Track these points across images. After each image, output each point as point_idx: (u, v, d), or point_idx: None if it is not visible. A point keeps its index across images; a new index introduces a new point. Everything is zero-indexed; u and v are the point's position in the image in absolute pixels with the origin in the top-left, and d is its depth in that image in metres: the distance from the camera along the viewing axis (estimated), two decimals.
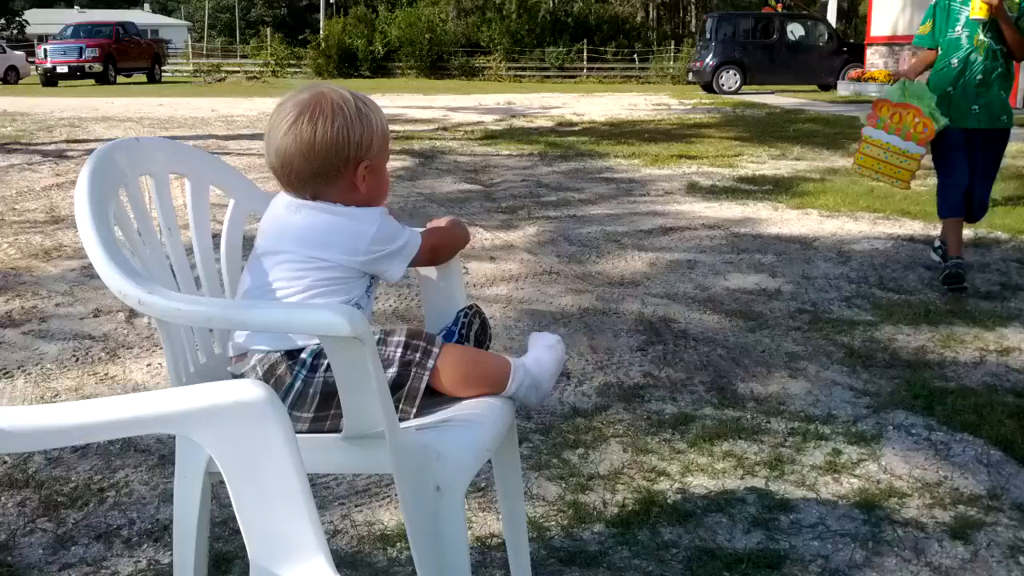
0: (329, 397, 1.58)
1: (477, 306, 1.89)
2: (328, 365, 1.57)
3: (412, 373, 1.64)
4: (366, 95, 1.74)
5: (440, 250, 1.88)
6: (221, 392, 1.10)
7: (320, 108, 1.65)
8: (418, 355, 1.65)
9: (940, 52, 4.77)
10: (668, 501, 2.45)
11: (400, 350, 1.65)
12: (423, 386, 1.64)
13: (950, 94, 4.67)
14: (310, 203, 1.69)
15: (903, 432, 2.89)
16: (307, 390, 1.60)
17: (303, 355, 1.62)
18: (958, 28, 4.65)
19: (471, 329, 1.84)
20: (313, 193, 1.69)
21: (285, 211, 1.71)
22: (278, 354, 1.62)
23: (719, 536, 2.29)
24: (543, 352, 1.82)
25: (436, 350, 1.66)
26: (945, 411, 3.03)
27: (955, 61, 4.66)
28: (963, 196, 4.74)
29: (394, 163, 9.22)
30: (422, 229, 1.85)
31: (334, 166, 1.67)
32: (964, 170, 4.71)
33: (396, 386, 1.61)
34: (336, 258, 1.67)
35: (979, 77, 4.63)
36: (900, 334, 3.86)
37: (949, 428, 2.90)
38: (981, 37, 4.59)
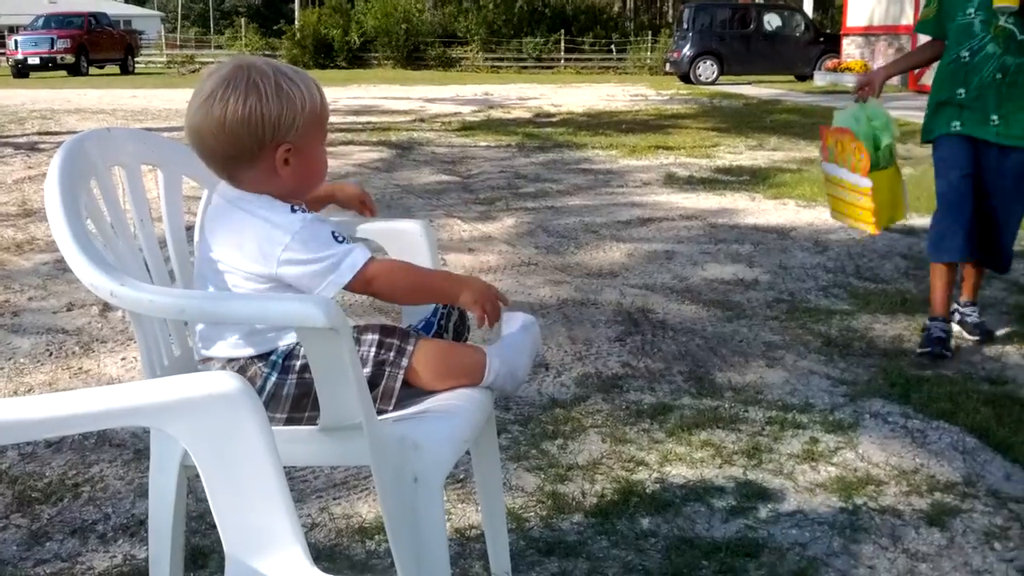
0: (302, 398, 1.55)
1: None
2: (300, 366, 1.56)
3: (387, 372, 1.61)
4: (299, 69, 1.63)
5: (378, 287, 1.59)
6: (194, 384, 1.09)
7: (233, 83, 1.53)
8: (392, 354, 1.61)
9: (947, 42, 3.50)
10: (647, 491, 2.45)
11: (374, 349, 1.60)
12: (399, 384, 1.61)
13: (960, 100, 3.44)
14: (232, 194, 1.60)
15: (880, 420, 2.90)
16: (279, 392, 1.57)
17: (273, 356, 1.58)
18: (971, 11, 3.38)
19: (450, 320, 1.80)
20: (230, 175, 1.60)
21: (215, 198, 1.64)
22: (247, 356, 1.59)
23: (698, 525, 2.29)
24: (518, 336, 1.77)
25: (410, 347, 1.62)
26: (921, 399, 3.05)
27: (966, 54, 3.41)
28: (965, 235, 3.42)
29: (371, 154, 9.19)
30: (376, 256, 1.61)
31: (247, 147, 1.54)
32: (968, 198, 3.43)
33: (371, 385, 1.57)
34: (247, 266, 1.56)
35: (998, 75, 3.36)
36: (877, 323, 3.88)
37: (925, 416, 2.92)
38: (1002, 23, 3.32)
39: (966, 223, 3.42)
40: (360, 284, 1.56)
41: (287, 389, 1.57)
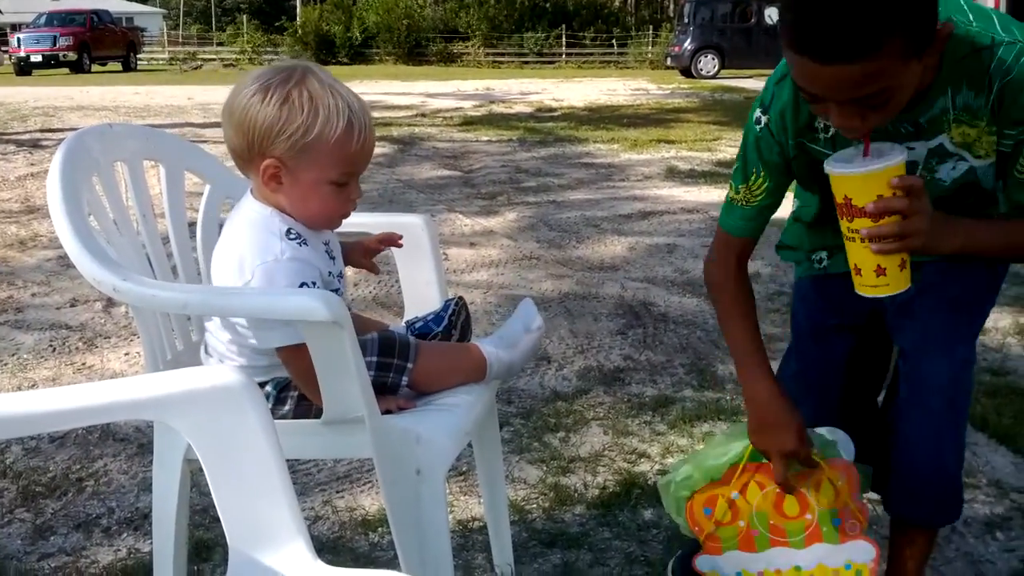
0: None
1: (463, 300, 1.82)
2: (297, 396, 1.55)
3: (387, 391, 1.58)
4: (356, 100, 1.49)
5: (290, 370, 1.53)
6: (197, 377, 1.09)
7: (267, 76, 1.47)
8: (391, 375, 1.58)
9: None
10: (649, 483, 2.46)
11: (373, 372, 1.54)
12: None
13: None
14: (245, 200, 1.57)
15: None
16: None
17: (267, 388, 1.55)
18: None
19: (459, 319, 1.76)
20: (239, 168, 1.56)
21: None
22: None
23: None
24: (522, 337, 1.73)
25: (410, 365, 1.58)
26: None
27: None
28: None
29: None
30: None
31: (241, 146, 1.49)
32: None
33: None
34: (224, 278, 1.51)
35: None
36: None
37: None
38: None
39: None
40: (281, 356, 1.49)
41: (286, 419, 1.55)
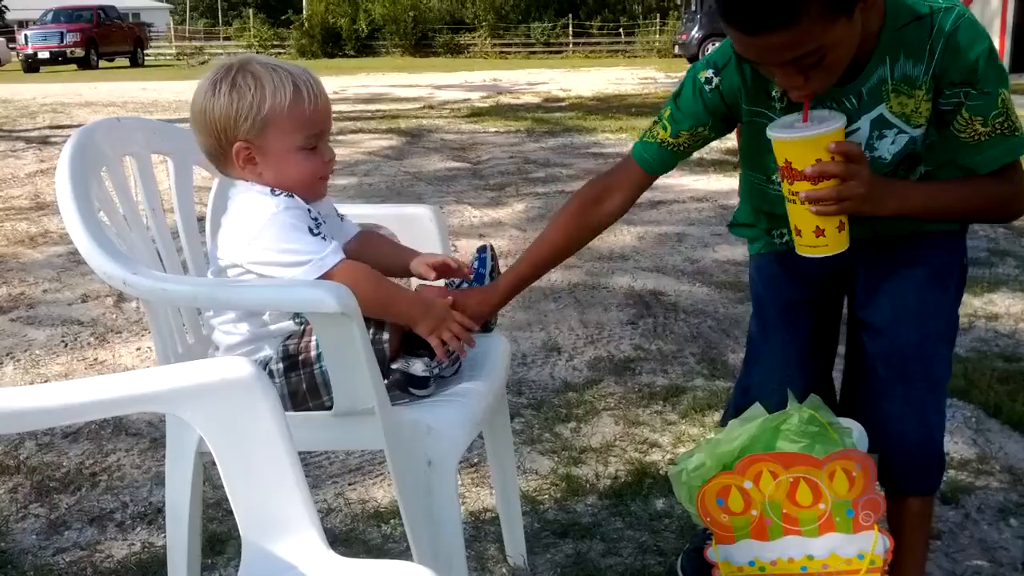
0: (292, 396, 1.54)
1: (493, 248, 1.82)
2: (285, 368, 1.55)
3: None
4: (295, 68, 1.57)
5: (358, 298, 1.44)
6: (208, 370, 1.10)
7: (211, 78, 1.56)
8: (370, 331, 1.55)
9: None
10: (660, 472, 2.46)
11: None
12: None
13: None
14: (232, 181, 1.61)
15: None
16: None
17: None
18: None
19: (495, 271, 1.77)
20: (218, 169, 1.63)
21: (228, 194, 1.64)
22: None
23: None
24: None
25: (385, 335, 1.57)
26: None
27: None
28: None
29: (380, 142, 9.19)
30: (348, 260, 1.52)
31: (212, 143, 1.57)
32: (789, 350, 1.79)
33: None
34: (228, 256, 1.56)
35: None
36: None
37: None
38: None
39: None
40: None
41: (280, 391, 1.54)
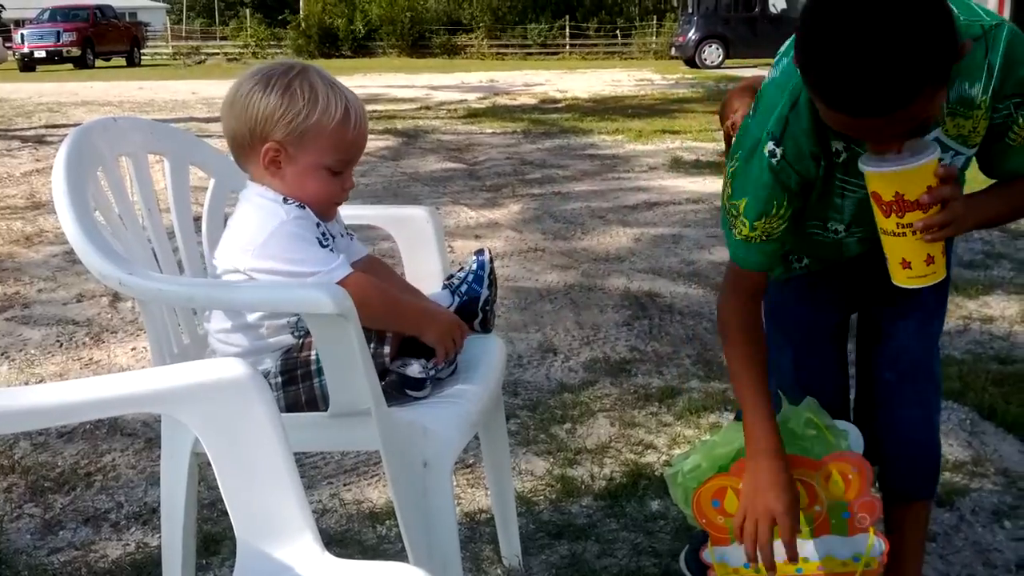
0: (290, 408, 1.54)
1: (490, 251, 1.82)
2: (284, 382, 1.55)
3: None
4: (349, 92, 1.58)
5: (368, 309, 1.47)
6: (204, 370, 1.10)
7: (266, 71, 1.55)
8: (371, 344, 1.55)
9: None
10: (656, 474, 2.46)
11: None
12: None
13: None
14: (245, 190, 1.61)
15: None
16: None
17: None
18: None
19: (494, 273, 1.78)
20: (239, 163, 1.62)
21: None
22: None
23: None
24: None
25: (389, 333, 1.57)
26: None
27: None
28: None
29: (377, 143, 9.18)
30: (357, 272, 1.53)
31: (243, 133, 1.55)
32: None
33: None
34: (226, 260, 1.55)
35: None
36: None
37: None
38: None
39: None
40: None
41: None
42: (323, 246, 1.53)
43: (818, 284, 1.72)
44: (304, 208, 1.56)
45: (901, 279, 1.45)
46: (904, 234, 1.40)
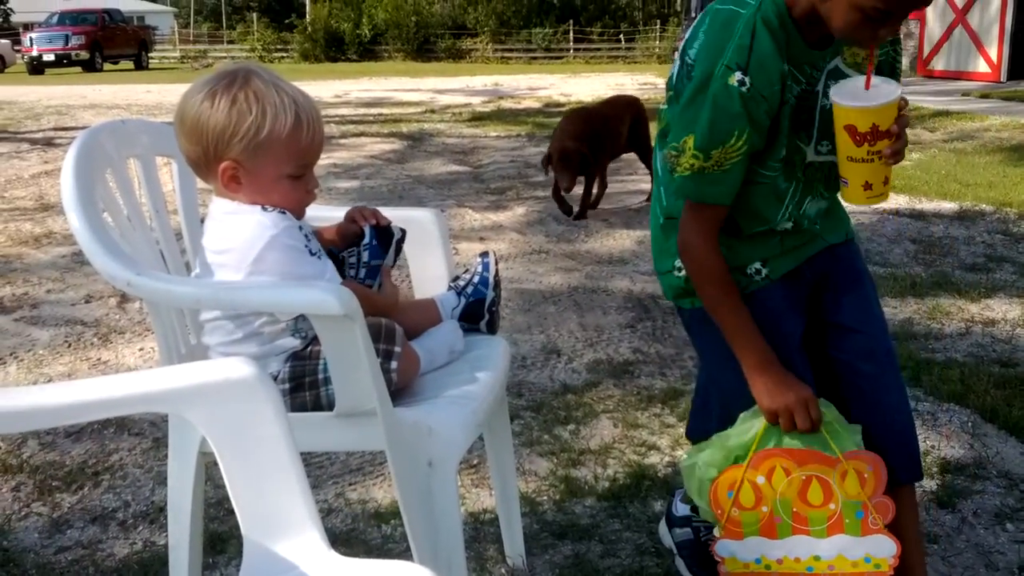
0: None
1: (494, 254, 1.84)
2: (292, 388, 1.56)
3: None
4: (299, 93, 1.53)
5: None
6: (211, 370, 1.11)
7: (212, 83, 1.50)
8: (379, 360, 1.55)
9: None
10: (659, 474, 2.47)
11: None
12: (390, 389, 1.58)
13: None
14: (214, 203, 1.58)
15: None
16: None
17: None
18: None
19: (498, 275, 1.80)
20: (198, 176, 1.60)
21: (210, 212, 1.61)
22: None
23: None
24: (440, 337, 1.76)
25: (398, 349, 1.59)
26: (932, 382, 3.05)
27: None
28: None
29: (382, 146, 9.20)
30: (344, 283, 1.55)
31: (199, 153, 1.52)
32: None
33: None
34: (225, 278, 1.53)
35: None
36: (886, 307, 3.87)
37: (936, 398, 2.93)
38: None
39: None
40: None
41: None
42: (312, 254, 1.54)
43: (782, 294, 1.71)
44: (285, 213, 1.55)
45: (860, 199, 1.64)
46: (872, 160, 1.59)
